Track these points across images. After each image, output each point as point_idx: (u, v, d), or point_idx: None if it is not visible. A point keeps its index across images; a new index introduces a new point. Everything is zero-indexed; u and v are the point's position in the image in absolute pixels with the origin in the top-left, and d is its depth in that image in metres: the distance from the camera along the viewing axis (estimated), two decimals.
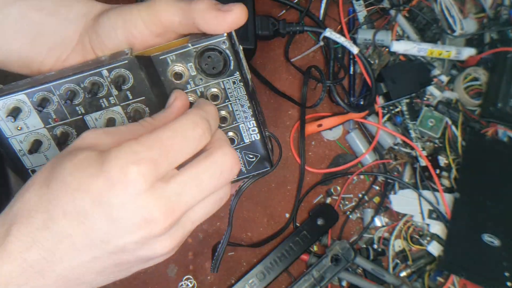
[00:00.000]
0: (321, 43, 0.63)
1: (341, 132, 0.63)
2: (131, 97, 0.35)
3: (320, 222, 0.59)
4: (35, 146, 0.37)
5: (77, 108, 0.35)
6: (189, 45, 0.33)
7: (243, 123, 0.38)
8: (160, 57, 0.34)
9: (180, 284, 0.57)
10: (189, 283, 0.57)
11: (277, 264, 0.57)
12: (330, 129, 0.62)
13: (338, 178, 0.62)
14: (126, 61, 0.33)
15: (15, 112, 0.34)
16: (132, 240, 0.27)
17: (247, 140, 0.40)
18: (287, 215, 0.60)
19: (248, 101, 0.37)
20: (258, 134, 0.39)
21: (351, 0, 0.65)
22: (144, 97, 0.35)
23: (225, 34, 0.33)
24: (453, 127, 0.62)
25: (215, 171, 0.30)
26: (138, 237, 0.27)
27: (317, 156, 0.62)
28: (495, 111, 0.60)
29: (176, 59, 0.34)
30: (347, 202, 0.62)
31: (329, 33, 0.60)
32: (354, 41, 0.63)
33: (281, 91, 0.62)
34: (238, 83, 0.36)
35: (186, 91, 0.36)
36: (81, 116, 0.36)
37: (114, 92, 0.35)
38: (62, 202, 0.27)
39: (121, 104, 0.36)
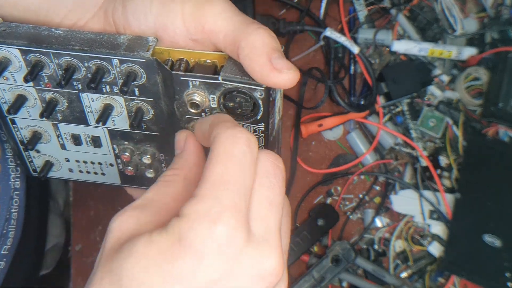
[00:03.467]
0: (322, 43, 0.62)
1: (341, 132, 0.63)
2: (137, 94, 0.32)
3: (320, 222, 0.59)
4: (20, 100, 0.33)
5: (74, 82, 0.32)
6: (220, 78, 0.29)
7: None
8: (181, 78, 0.30)
9: None
10: None
11: None
12: (330, 129, 0.62)
13: (339, 178, 0.62)
14: (144, 60, 0.29)
15: (2, 65, 0.31)
16: None
17: None
18: None
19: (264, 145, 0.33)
20: None
21: (352, 0, 0.65)
22: (152, 99, 0.32)
23: (264, 86, 0.28)
24: (454, 127, 0.61)
25: (270, 180, 0.25)
26: None
27: (318, 156, 0.62)
28: (496, 111, 0.60)
29: (200, 86, 0.30)
30: (347, 203, 0.61)
31: (329, 32, 0.59)
32: (354, 40, 0.63)
33: None
34: (259, 134, 0.32)
35: (196, 117, 0.31)
36: (76, 92, 0.32)
37: (120, 82, 0.31)
38: None
39: (125, 97, 0.32)
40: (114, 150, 0.37)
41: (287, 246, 0.27)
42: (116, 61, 0.30)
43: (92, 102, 0.33)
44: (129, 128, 0.35)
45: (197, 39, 0.29)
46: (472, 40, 0.64)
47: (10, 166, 0.44)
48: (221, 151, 0.24)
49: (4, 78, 0.32)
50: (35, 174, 0.41)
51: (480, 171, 0.60)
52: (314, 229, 0.59)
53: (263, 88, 0.29)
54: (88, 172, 0.40)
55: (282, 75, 0.26)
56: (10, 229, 0.44)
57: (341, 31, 0.63)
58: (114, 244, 0.24)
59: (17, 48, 0.30)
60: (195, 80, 0.29)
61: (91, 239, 0.56)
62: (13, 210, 0.44)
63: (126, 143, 0.36)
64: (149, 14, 0.29)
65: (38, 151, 0.39)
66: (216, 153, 0.24)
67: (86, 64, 0.30)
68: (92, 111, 0.34)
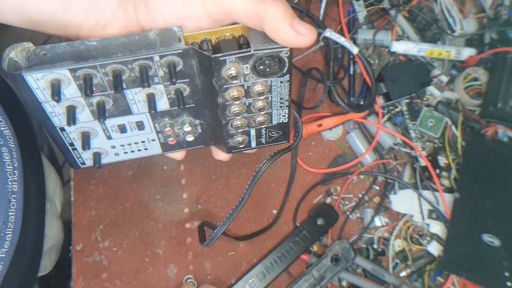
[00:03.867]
0: (321, 43, 0.63)
1: (341, 132, 0.63)
2: (174, 79, 0.35)
3: (320, 222, 0.59)
4: (71, 111, 0.36)
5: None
6: (252, 50, 0.33)
7: (276, 110, 0.40)
8: (220, 58, 0.34)
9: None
10: (189, 284, 0.57)
11: (277, 264, 0.57)
12: (330, 129, 0.62)
13: (338, 178, 0.62)
14: (180, 51, 0.33)
15: (55, 87, 0.33)
16: None
17: (275, 122, 0.42)
18: (274, 212, 0.60)
19: (288, 95, 0.39)
20: (286, 119, 0.42)
21: (351, 0, 0.65)
22: (188, 80, 0.36)
23: (288, 48, 0.34)
24: (453, 127, 0.62)
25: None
26: None
27: (317, 156, 0.62)
28: (495, 111, 0.60)
29: (235, 61, 0.34)
30: (347, 202, 0.62)
31: (329, 33, 0.60)
32: (354, 41, 0.63)
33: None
34: (285, 83, 0.37)
35: (234, 85, 0.36)
36: (120, 90, 0.35)
37: (161, 73, 0.35)
38: None
39: (164, 83, 0.36)
40: (155, 128, 0.41)
41: None
42: (157, 57, 0.33)
43: (136, 95, 0.36)
44: (169, 107, 0.39)
45: (219, 19, 0.33)
46: (471, 41, 0.64)
47: (8, 170, 0.44)
48: None
49: (55, 98, 0.35)
50: (83, 166, 0.45)
51: (479, 171, 0.60)
52: (314, 229, 0.59)
53: (288, 49, 0.34)
54: (132, 151, 0.45)
55: (306, 38, 0.32)
56: (7, 232, 0.44)
57: (341, 32, 0.63)
58: None
59: (67, 69, 0.33)
60: (231, 57, 0.33)
61: (92, 239, 0.57)
62: (10, 213, 0.44)
63: (166, 119, 0.40)
64: (172, 7, 0.32)
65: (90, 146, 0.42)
66: None
67: (129, 66, 0.34)
68: (135, 102, 0.38)
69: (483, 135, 0.61)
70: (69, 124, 0.36)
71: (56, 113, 0.37)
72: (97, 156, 0.44)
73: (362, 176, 0.62)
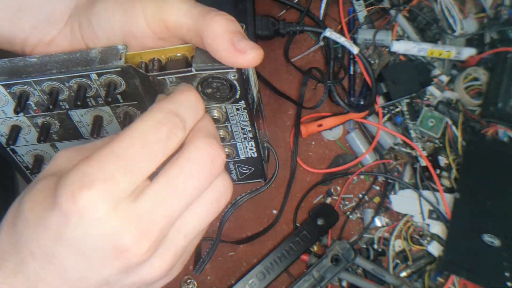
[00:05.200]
0: (321, 43, 0.63)
1: (341, 132, 0.63)
2: (121, 100, 0.33)
3: (320, 222, 0.59)
4: (15, 131, 0.34)
5: (61, 103, 0.33)
6: (193, 70, 0.30)
7: (241, 142, 0.36)
8: (159, 78, 0.31)
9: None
10: (189, 283, 0.57)
11: (277, 264, 0.57)
12: (330, 129, 0.62)
13: (338, 178, 0.62)
14: (119, 69, 0.30)
15: None
16: (111, 272, 0.24)
17: (242, 156, 0.38)
18: (274, 212, 0.60)
19: (250, 125, 0.34)
20: (255, 153, 0.37)
21: (351, 0, 0.65)
22: (136, 102, 0.33)
23: (235, 69, 0.30)
24: (453, 127, 0.62)
25: (191, 170, 0.25)
26: (116, 268, 0.24)
27: (317, 156, 0.62)
28: (496, 111, 0.60)
29: (176, 81, 0.31)
30: (347, 202, 0.61)
31: (329, 33, 0.60)
32: (354, 41, 0.63)
33: (281, 91, 0.62)
34: (242, 111, 0.33)
35: None
36: (65, 111, 0.34)
37: (103, 93, 0.32)
38: (28, 243, 0.24)
39: (111, 106, 0.33)
40: None
41: (178, 248, 0.26)
42: (94, 75, 0.31)
43: (82, 117, 0.34)
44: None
45: (164, 38, 0.30)
46: (472, 41, 0.64)
47: None
48: (139, 127, 0.25)
49: None
50: None
51: (479, 171, 0.60)
52: (314, 229, 0.59)
53: (235, 70, 0.29)
54: None
55: (247, 56, 0.27)
56: None
57: (341, 32, 0.63)
58: (42, 175, 0.25)
59: (0, 84, 0.31)
60: (171, 77, 0.30)
61: None
62: None
63: None
64: (114, 23, 0.30)
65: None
66: (134, 127, 0.25)
67: (67, 84, 0.31)
68: (84, 125, 0.35)
69: (484, 135, 0.61)
70: (7, 144, 0.35)
71: (2, 132, 0.35)
72: None
73: (362, 176, 0.62)
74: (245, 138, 0.36)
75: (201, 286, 0.57)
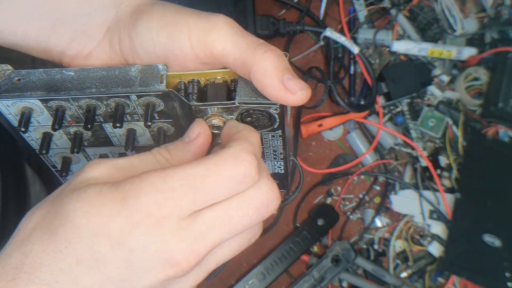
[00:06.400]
0: (322, 43, 0.63)
1: (341, 132, 0.63)
2: (157, 118, 0.33)
3: (320, 222, 0.59)
4: (47, 138, 0.35)
5: (96, 117, 0.33)
6: (236, 102, 0.30)
7: (271, 161, 0.37)
8: (201, 107, 0.31)
9: None
10: None
11: (277, 265, 0.57)
12: (330, 129, 0.62)
13: (339, 178, 0.62)
14: (160, 93, 0.30)
15: (25, 116, 0.32)
16: (155, 281, 0.25)
17: (270, 171, 0.38)
18: (274, 212, 0.60)
19: (282, 149, 0.35)
20: (283, 170, 0.38)
21: (352, 0, 0.65)
22: (172, 120, 0.33)
23: (278, 104, 0.30)
24: (454, 127, 0.61)
25: (248, 208, 0.26)
26: (158, 280, 0.25)
27: (318, 156, 0.62)
28: (496, 111, 0.60)
29: (217, 111, 0.31)
30: (347, 203, 0.61)
31: (329, 32, 0.59)
32: (354, 40, 0.63)
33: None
34: (277, 138, 0.34)
35: (218, 134, 0.32)
36: (99, 123, 0.34)
37: (140, 112, 0.32)
38: (75, 250, 0.24)
39: (147, 123, 0.33)
40: None
41: (208, 270, 0.28)
42: (134, 97, 0.31)
43: (115, 129, 0.34)
44: (153, 143, 0.36)
45: (207, 62, 0.30)
46: (472, 40, 0.64)
47: None
48: (217, 161, 0.25)
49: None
50: None
51: (480, 171, 0.60)
52: (314, 229, 0.59)
53: (278, 105, 0.30)
54: None
55: (295, 96, 0.27)
56: None
57: (341, 31, 0.63)
58: (77, 183, 0.25)
59: (38, 99, 0.31)
60: (214, 108, 0.30)
61: None
62: None
63: None
64: (157, 44, 0.30)
65: (70, 172, 0.40)
66: (213, 158, 0.25)
67: (105, 102, 0.32)
68: (116, 135, 0.35)
69: (484, 135, 0.61)
70: (40, 152, 0.35)
71: (33, 137, 0.36)
72: None
73: (362, 176, 0.62)
74: (275, 159, 0.36)
75: (201, 285, 0.57)
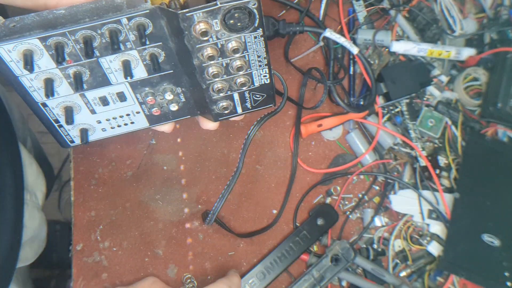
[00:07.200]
0: (321, 43, 0.63)
1: (341, 132, 0.63)
2: (148, 43, 0.35)
3: (320, 222, 0.59)
4: (49, 83, 0.37)
5: (93, 50, 0.35)
6: (219, 3, 0.33)
7: (256, 70, 0.40)
8: (187, 14, 0.34)
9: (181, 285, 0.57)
10: (189, 283, 0.57)
11: (277, 264, 0.57)
12: (330, 129, 0.62)
13: (338, 178, 0.62)
14: (148, 11, 0.34)
15: (28, 57, 0.34)
16: None
17: (257, 84, 0.42)
18: (274, 212, 0.60)
19: (265, 52, 0.38)
20: (268, 79, 0.41)
21: (351, 0, 0.65)
22: (161, 43, 0.36)
23: None
24: (453, 127, 0.62)
25: None
26: None
27: (317, 156, 0.62)
28: (495, 111, 0.60)
29: (203, 16, 0.34)
30: (347, 202, 0.62)
31: (329, 33, 0.60)
32: (354, 41, 0.63)
33: (281, 91, 0.62)
34: (259, 38, 0.37)
35: (207, 44, 0.36)
36: (95, 59, 0.36)
37: (132, 38, 0.35)
38: None
39: (137, 49, 0.36)
40: (137, 98, 0.42)
41: None
42: (124, 20, 0.34)
43: (111, 63, 0.37)
44: (147, 75, 0.39)
45: None
46: (471, 41, 0.65)
47: None
48: None
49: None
50: (73, 144, 0.46)
51: (479, 171, 0.60)
52: (314, 229, 0.59)
53: (255, 0, 0.33)
54: (119, 126, 0.46)
55: None
56: None
57: (341, 32, 0.63)
58: None
59: (37, 37, 0.33)
60: (199, 12, 0.33)
61: (91, 239, 0.57)
62: None
63: (147, 88, 0.41)
64: None
65: (73, 122, 0.43)
66: None
67: (99, 32, 0.34)
68: (112, 71, 0.38)
69: (483, 135, 0.61)
70: (47, 95, 0.37)
71: (34, 87, 0.37)
72: (84, 132, 0.45)
73: (362, 176, 0.62)
74: (260, 66, 0.39)
75: (201, 285, 0.57)
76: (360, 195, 0.61)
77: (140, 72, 0.39)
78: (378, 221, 0.61)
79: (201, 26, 0.34)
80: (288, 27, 0.60)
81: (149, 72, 0.39)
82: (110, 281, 0.56)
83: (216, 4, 0.33)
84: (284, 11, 0.65)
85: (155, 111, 0.44)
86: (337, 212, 0.60)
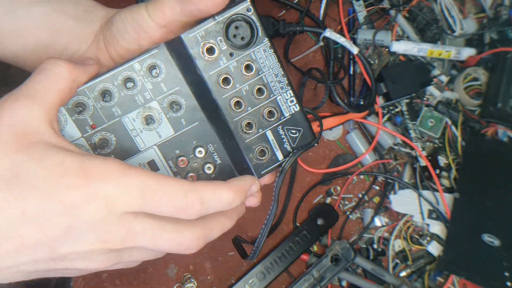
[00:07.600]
0: (321, 43, 0.63)
1: (341, 132, 0.63)
2: (165, 89, 0.35)
3: (320, 222, 0.59)
4: None
5: (113, 109, 0.35)
6: (215, 17, 0.34)
7: (280, 95, 0.38)
8: (190, 35, 0.34)
9: (180, 284, 0.57)
10: (189, 283, 0.57)
11: (277, 264, 0.57)
12: (330, 129, 0.62)
13: (338, 178, 0.62)
14: (156, 50, 0.34)
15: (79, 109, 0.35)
16: (78, 251, 0.28)
17: (287, 114, 0.39)
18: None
19: (281, 68, 0.37)
20: (297, 105, 0.39)
21: (351, 0, 0.65)
22: (178, 88, 0.36)
23: (248, 0, 0.34)
24: (453, 127, 0.62)
25: (171, 239, 0.30)
26: (84, 250, 0.28)
27: (317, 156, 0.62)
28: (495, 111, 0.60)
29: (206, 35, 0.34)
30: (347, 202, 0.62)
31: (329, 33, 0.60)
32: (354, 41, 0.63)
33: None
34: (268, 50, 0.36)
35: (219, 68, 0.36)
36: (118, 119, 0.36)
37: (149, 86, 0.35)
38: (25, 205, 0.26)
39: (157, 99, 0.36)
40: (170, 167, 0.39)
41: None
42: (137, 65, 0.34)
43: (134, 121, 0.36)
44: (173, 132, 0.38)
45: (166, 25, 0.35)
46: (471, 41, 0.64)
47: None
48: (175, 189, 0.30)
49: None
50: None
51: (479, 171, 0.60)
52: (314, 229, 0.59)
53: (248, 2, 0.34)
54: None
55: None
56: None
57: (341, 32, 0.63)
58: (16, 137, 0.28)
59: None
60: (200, 31, 0.34)
61: None
62: None
63: (177, 151, 0.39)
64: (127, 23, 0.35)
65: None
66: (173, 186, 0.30)
67: (116, 83, 0.35)
68: (138, 132, 0.37)
69: (483, 135, 0.61)
70: None
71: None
72: None
73: (362, 176, 0.62)
74: (282, 88, 0.38)
75: (201, 285, 0.57)
76: (360, 195, 0.61)
77: (165, 129, 0.37)
78: (378, 221, 0.61)
79: (208, 44, 0.35)
80: (288, 27, 0.60)
81: (175, 129, 0.37)
82: (110, 281, 0.56)
83: (214, 19, 0.34)
84: (284, 11, 0.65)
85: (191, 176, 0.40)
86: (337, 212, 0.60)
